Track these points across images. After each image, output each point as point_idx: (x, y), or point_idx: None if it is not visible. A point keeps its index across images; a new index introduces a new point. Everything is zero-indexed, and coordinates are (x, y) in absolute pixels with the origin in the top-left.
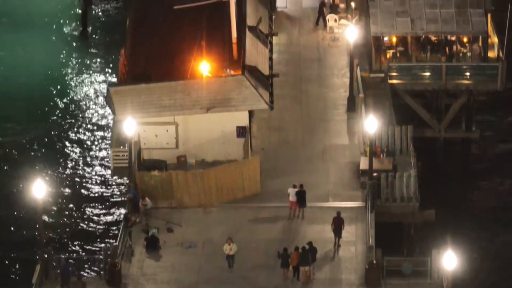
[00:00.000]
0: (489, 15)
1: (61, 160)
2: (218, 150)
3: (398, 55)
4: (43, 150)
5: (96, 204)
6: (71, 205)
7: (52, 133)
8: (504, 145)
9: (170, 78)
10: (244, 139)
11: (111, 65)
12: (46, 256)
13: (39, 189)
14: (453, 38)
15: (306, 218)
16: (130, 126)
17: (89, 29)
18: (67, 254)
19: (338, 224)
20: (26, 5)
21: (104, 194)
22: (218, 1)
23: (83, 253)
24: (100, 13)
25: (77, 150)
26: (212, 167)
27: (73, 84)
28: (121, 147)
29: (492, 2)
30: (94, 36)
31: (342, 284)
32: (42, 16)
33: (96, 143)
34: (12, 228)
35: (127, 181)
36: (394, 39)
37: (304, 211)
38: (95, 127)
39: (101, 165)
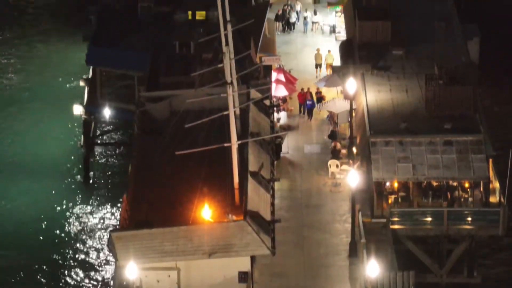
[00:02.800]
0: (490, 160)
1: None
2: None
3: (399, 200)
4: None
5: None
6: None
7: (54, 278)
8: None
9: (172, 223)
10: (246, 285)
11: (113, 211)
12: None
13: None
14: (455, 184)
15: None
16: (132, 271)
17: (91, 174)
18: None
19: None
20: (27, 152)
21: None
22: (220, 147)
23: None
24: (102, 159)
25: None
26: None
27: (75, 229)
28: None
29: (493, 148)
30: (96, 181)
31: None
32: (44, 162)
33: None
34: None
35: None
36: (395, 185)
37: None
38: (97, 273)
39: None
